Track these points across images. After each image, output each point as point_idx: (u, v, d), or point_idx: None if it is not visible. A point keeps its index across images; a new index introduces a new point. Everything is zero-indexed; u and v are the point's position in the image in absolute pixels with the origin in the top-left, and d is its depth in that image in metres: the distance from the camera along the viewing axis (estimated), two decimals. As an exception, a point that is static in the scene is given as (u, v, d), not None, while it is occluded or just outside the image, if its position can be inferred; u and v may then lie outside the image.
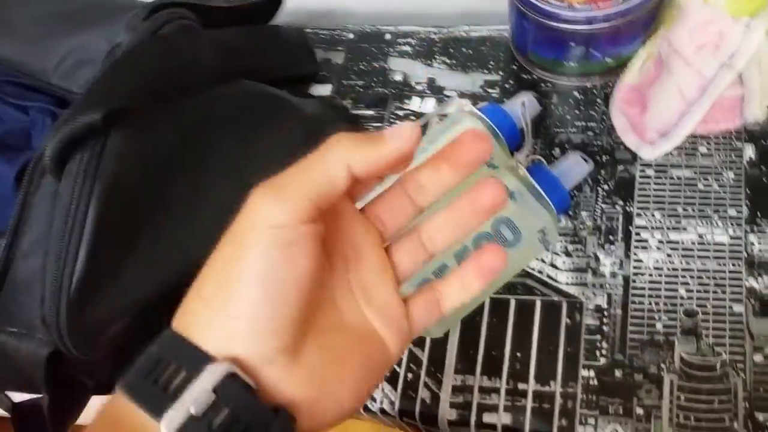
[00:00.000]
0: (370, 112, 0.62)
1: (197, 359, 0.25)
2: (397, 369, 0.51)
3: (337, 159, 0.26)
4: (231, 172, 0.43)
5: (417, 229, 0.31)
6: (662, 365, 0.47)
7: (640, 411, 0.46)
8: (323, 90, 0.64)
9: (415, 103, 0.62)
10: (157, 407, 0.24)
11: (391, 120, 0.61)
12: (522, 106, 0.54)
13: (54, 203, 0.38)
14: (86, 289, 0.38)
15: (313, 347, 0.27)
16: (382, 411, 0.50)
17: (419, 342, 0.52)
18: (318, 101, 0.56)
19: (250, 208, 0.26)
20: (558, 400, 0.48)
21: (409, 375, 0.51)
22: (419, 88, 0.63)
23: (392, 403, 0.50)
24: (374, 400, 0.50)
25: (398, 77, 0.64)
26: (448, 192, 0.30)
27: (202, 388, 0.24)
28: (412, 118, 0.61)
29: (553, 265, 0.52)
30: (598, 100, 0.58)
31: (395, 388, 0.50)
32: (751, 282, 0.48)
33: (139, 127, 0.39)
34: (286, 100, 0.47)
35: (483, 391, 0.49)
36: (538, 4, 0.52)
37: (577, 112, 0.58)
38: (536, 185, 0.50)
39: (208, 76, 0.42)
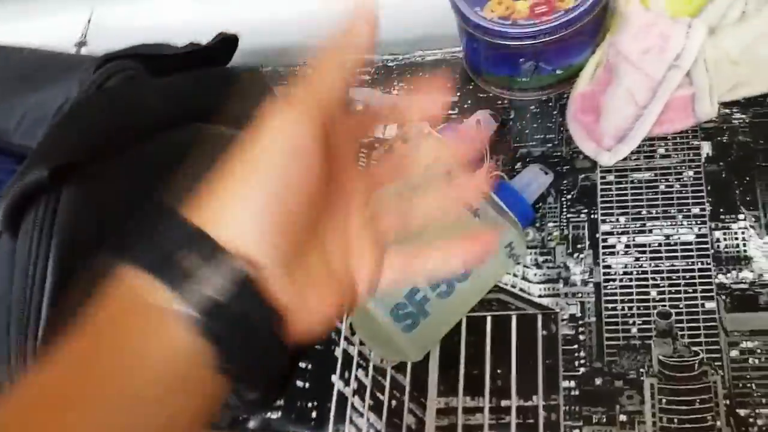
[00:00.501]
0: (334, 144, 0.62)
1: (217, 253, 0.25)
2: (381, 396, 0.51)
3: (330, 67, 0.29)
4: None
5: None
6: (641, 369, 0.47)
7: (623, 418, 0.46)
8: (286, 126, 0.64)
9: (377, 130, 0.62)
10: (181, 288, 0.25)
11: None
12: (477, 124, 0.54)
13: (12, 262, 0.37)
14: (52, 346, 0.38)
15: (300, 267, 0.28)
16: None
17: (400, 367, 0.51)
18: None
19: (268, 124, 0.27)
20: (542, 414, 0.47)
21: (393, 402, 0.50)
22: (380, 115, 0.63)
23: (377, 433, 0.50)
24: (360, 430, 0.50)
25: (359, 107, 0.64)
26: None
27: (223, 279, 0.25)
28: (377, 146, 0.61)
29: (525, 278, 0.52)
30: (554, 111, 0.59)
31: (380, 416, 0.50)
32: (721, 278, 0.49)
33: (91, 180, 0.39)
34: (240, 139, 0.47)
35: (467, 411, 0.49)
36: (485, 25, 0.53)
37: (534, 125, 0.58)
38: (499, 201, 0.51)
39: (157, 124, 0.42)
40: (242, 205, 0.26)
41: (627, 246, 0.51)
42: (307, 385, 0.52)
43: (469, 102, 0.61)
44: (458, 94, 0.62)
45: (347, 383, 0.52)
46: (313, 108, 0.27)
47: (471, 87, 0.62)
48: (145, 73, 0.45)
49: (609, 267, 0.51)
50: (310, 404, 0.52)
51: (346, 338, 0.53)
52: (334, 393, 0.51)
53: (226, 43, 0.57)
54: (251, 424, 0.52)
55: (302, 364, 0.53)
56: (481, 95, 0.61)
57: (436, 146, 0.54)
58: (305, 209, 0.27)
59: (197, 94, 0.47)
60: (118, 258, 0.26)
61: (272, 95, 0.61)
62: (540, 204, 0.54)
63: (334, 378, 0.52)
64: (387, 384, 0.51)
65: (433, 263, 0.32)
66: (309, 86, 0.28)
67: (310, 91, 0.28)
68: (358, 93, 0.65)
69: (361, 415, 0.50)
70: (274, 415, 0.52)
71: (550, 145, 0.57)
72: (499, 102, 0.60)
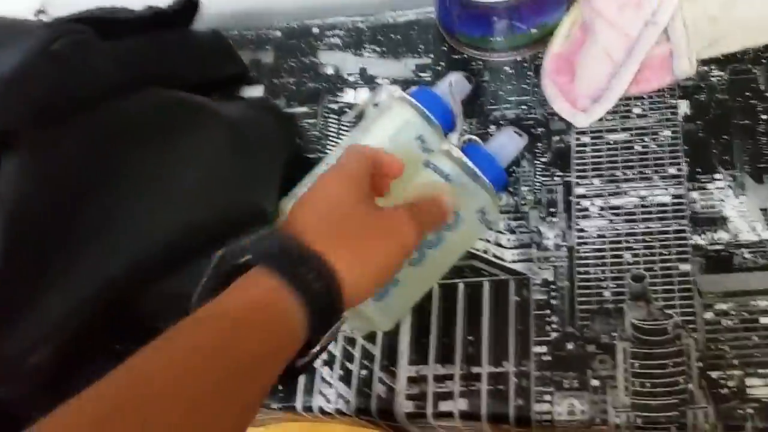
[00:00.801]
0: (304, 109, 0.61)
1: (326, 269, 0.36)
2: (351, 366, 0.50)
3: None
4: (149, 185, 0.42)
5: None
6: (614, 333, 0.46)
7: (595, 382, 0.45)
8: (255, 91, 0.62)
9: (348, 95, 0.61)
10: (300, 291, 0.34)
11: (325, 114, 0.60)
12: (450, 86, 0.53)
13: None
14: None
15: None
16: (339, 411, 0.49)
17: (371, 337, 0.50)
18: (244, 103, 0.55)
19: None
20: (512, 380, 0.46)
21: (363, 371, 0.49)
22: (351, 79, 0.61)
23: (348, 402, 0.49)
24: (329, 401, 0.49)
25: (329, 70, 0.62)
26: None
27: (325, 288, 0.35)
28: (347, 110, 0.59)
29: (498, 244, 0.51)
30: (529, 72, 0.57)
31: (349, 386, 0.49)
32: (696, 239, 0.47)
33: (37, 149, 0.37)
34: (201, 104, 0.46)
35: (438, 379, 0.48)
36: (454, -19, 0.51)
37: (509, 87, 0.57)
38: (472, 165, 0.49)
39: (108, 89, 0.40)
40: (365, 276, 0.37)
41: (601, 209, 0.50)
42: (277, 355, 0.51)
43: (442, 64, 0.60)
44: (431, 55, 0.60)
45: (318, 353, 0.51)
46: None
47: (444, 48, 0.60)
48: (95, 37, 0.43)
49: (583, 230, 0.50)
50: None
51: (316, 308, 0.52)
52: (305, 363, 0.51)
53: (188, 6, 0.55)
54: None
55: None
56: (455, 56, 0.59)
57: (405, 109, 0.52)
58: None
59: (153, 57, 0.46)
60: (262, 262, 0.34)
61: (235, 58, 0.59)
62: (514, 168, 0.53)
63: (305, 348, 0.51)
64: (357, 354, 0.50)
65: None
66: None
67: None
68: (328, 57, 0.63)
69: (330, 385, 0.49)
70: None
71: (524, 107, 0.55)
72: (473, 63, 0.59)
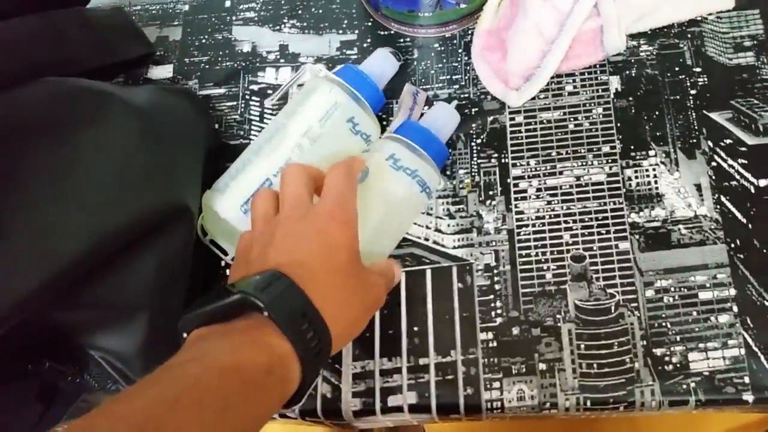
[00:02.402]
0: (222, 91, 0.56)
1: (321, 322, 0.37)
2: (291, 366, 0.47)
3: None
4: (50, 185, 0.37)
5: None
6: (558, 316, 0.46)
7: (543, 366, 0.45)
8: (163, 72, 0.57)
9: (270, 75, 0.57)
10: (297, 344, 0.35)
11: (246, 96, 0.55)
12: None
13: None
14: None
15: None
16: (282, 415, 0.46)
17: (310, 334, 0.48)
18: (153, 87, 0.49)
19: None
20: (461, 369, 0.45)
21: (304, 371, 0.47)
22: (271, 57, 0.57)
23: (290, 405, 0.46)
24: (270, 405, 0.46)
25: (246, 47, 0.58)
26: None
27: (318, 342, 0.36)
28: (269, 91, 0.55)
29: (438, 230, 0.49)
30: (460, 50, 0.55)
31: (291, 387, 0.46)
32: (633, 217, 0.48)
33: None
34: (105, 92, 0.40)
35: (384, 373, 0.46)
36: (382, -47, 0.48)
37: (440, 65, 0.55)
38: (411, 142, 0.47)
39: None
40: (329, 296, 0.37)
41: (538, 190, 0.50)
42: (209, 360, 0.48)
43: (369, 40, 0.56)
44: (356, 31, 0.57)
45: (254, 355, 0.47)
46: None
47: (369, 24, 0.57)
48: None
49: (521, 212, 0.49)
50: (214, 380, 0.47)
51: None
52: (241, 366, 0.47)
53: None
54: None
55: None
56: (381, 33, 0.57)
57: (334, 90, 0.49)
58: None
59: (46, 41, 0.40)
60: (266, 310, 0.35)
61: (141, 37, 0.53)
62: (450, 151, 0.51)
63: (239, 350, 0.48)
64: (297, 352, 0.47)
65: None
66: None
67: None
68: (243, 32, 0.58)
69: (272, 388, 0.46)
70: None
71: (456, 86, 0.54)
72: (401, 40, 0.56)
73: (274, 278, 0.36)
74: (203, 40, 0.58)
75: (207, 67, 0.57)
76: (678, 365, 0.43)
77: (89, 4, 0.50)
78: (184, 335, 0.36)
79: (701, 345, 0.44)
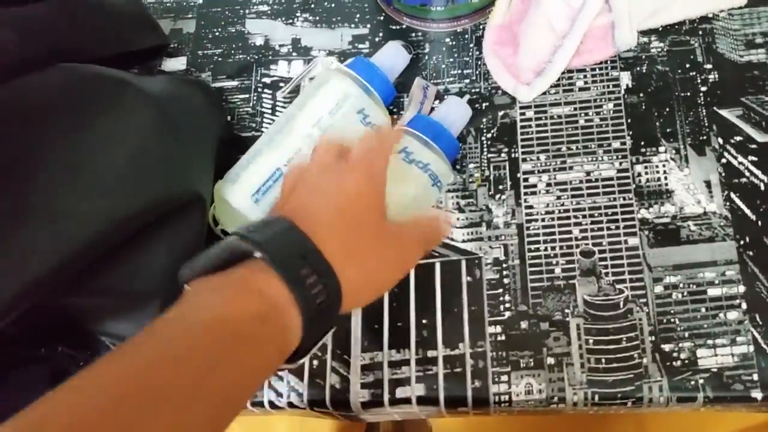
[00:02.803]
0: (234, 83, 0.56)
1: (327, 267, 0.34)
2: (300, 357, 0.47)
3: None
4: (66, 169, 0.37)
5: None
6: (566, 310, 0.46)
7: (551, 360, 0.45)
8: (177, 64, 0.57)
9: (282, 68, 0.57)
10: (297, 290, 0.33)
11: (258, 89, 0.56)
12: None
13: None
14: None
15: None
16: (290, 404, 0.47)
17: (319, 325, 0.48)
18: (168, 78, 0.50)
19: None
20: (469, 362, 0.46)
21: (315, 362, 0.47)
22: (284, 50, 0.57)
23: (300, 395, 0.46)
24: (280, 395, 0.46)
25: (259, 41, 0.58)
26: None
27: (324, 291, 0.34)
28: (281, 84, 0.56)
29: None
30: (471, 45, 0.55)
31: (301, 378, 0.47)
32: (643, 213, 0.48)
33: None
34: (122, 80, 0.41)
35: (393, 365, 0.46)
36: (395, -54, 0.48)
37: (451, 59, 0.55)
38: (422, 135, 0.48)
39: (12, 65, 0.35)
40: (338, 239, 0.35)
41: (548, 185, 0.50)
42: (219, 349, 0.48)
43: (381, 34, 0.57)
44: (368, 25, 0.57)
45: (263, 345, 0.48)
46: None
47: (381, 18, 0.57)
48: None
49: (531, 207, 0.49)
50: (223, 370, 0.48)
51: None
52: (250, 356, 0.48)
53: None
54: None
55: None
56: (393, 27, 0.57)
57: (345, 82, 0.49)
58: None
59: (63, 28, 0.40)
60: (258, 250, 0.33)
61: (156, 28, 0.54)
62: (461, 145, 0.51)
63: (249, 340, 0.48)
64: (306, 343, 0.48)
65: None
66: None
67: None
68: (256, 26, 0.59)
69: (281, 378, 0.47)
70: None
71: (467, 81, 0.54)
72: (413, 34, 0.56)
73: (273, 221, 0.34)
74: (217, 33, 0.58)
75: (220, 59, 0.57)
76: (686, 361, 0.43)
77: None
78: (186, 287, 0.34)
79: (710, 341, 0.44)
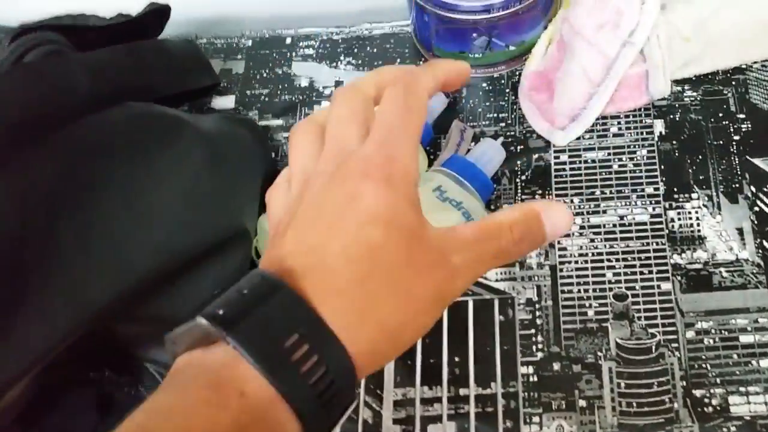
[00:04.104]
0: (279, 122, 0.59)
1: (329, 340, 0.25)
2: (333, 389, 0.48)
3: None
4: (127, 202, 0.40)
5: None
6: (599, 353, 0.47)
7: (582, 403, 0.45)
8: (226, 102, 0.60)
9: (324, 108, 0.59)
10: (286, 380, 0.24)
11: (300, 128, 0.58)
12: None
13: None
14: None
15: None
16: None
17: (353, 358, 0.49)
18: (218, 116, 0.53)
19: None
20: (500, 402, 0.46)
21: (346, 394, 0.48)
22: (327, 92, 0.60)
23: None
24: (312, 426, 0.48)
25: (304, 82, 0.61)
26: None
27: (330, 374, 0.24)
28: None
29: (480, 263, 0.51)
30: (507, 89, 0.57)
31: (333, 410, 0.48)
32: (676, 258, 0.48)
33: (9, 167, 0.34)
34: (179, 118, 0.43)
35: (425, 402, 0.47)
36: (436, -3, 0.51)
37: (487, 103, 0.57)
38: (457, 175, 0.49)
39: (84, 103, 0.38)
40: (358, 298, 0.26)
41: (582, 227, 0.51)
42: (255, 379, 0.50)
43: (419, 78, 0.59)
44: (407, 70, 0.59)
45: (299, 376, 0.49)
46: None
47: (421, 62, 0.60)
48: (69, 47, 0.40)
49: (564, 249, 0.50)
50: (259, 399, 0.49)
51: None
52: (285, 387, 0.49)
53: (157, 13, 0.52)
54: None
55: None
56: (432, 71, 0.59)
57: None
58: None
59: (128, 69, 0.43)
60: (222, 330, 0.24)
61: (209, 69, 0.57)
62: (495, 186, 0.53)
63: (285, 371, 0.49)
64: (341, 376, 0.49)
65: None
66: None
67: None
68: (302, 68, 0.61)
69: (315, 409, 0.48)
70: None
71: (503, 124, 0.55)
72: (450, 79, 0.58)
73: (256, 282, 0.25)
74: (264, 74, 0.61)
75: (267, 99, 0.60)
76: (718, 408, 0.44)
77: (161, 35, 0.54)
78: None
79: (742, 389, 0.44)
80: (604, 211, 0.51)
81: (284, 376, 0.24)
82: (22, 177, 0.36)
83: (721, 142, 0.52)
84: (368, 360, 0.27)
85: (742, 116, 0.52)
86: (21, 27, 0.41)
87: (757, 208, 0.49)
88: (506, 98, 0.57)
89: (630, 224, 0.50)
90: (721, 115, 0.53)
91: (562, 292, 0.49)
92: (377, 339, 0.27)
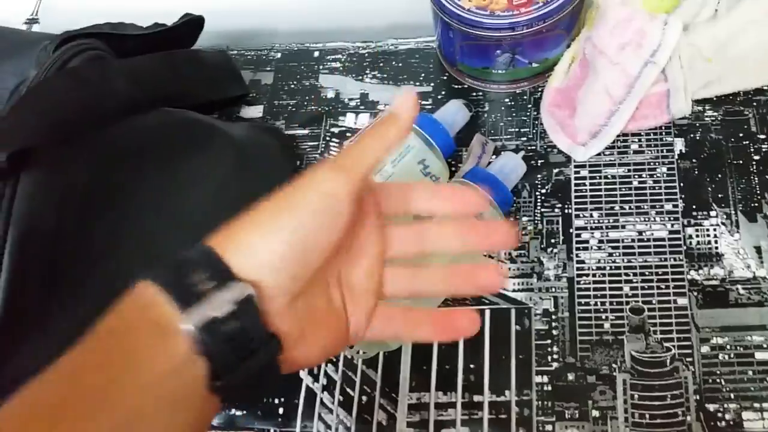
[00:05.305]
0: (305, 132, 0.61)
1: (226, 275, 0.28)
2: (351, 392, 0.49)
3: (368, 143, 0.32)
4: (158, 205, 0.41)
5: (421, 225, 0.35)
6: (614, 365, 0.47)
7: (596, 413, 0.46)
8: (254, 112, 0.62)
9: (349, 120, 0.61)
10: (186, 303, 0.27)
11: (327, 138, 0.60)
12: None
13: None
14: (6, 341, 0.35)
15: (305, 302, 0.31)
16: (337, 438, 0.49)
17: (372, 362, 0.50)
18: (248, 124, 0.54)
19: (310, 175, 0.30)
20: (514, 409, 0.47)
21: (363, 397, 0.49)
22: (352, 104, 0.62)
23: (348, 429, 0.48)
24: (329, 427, 0.49)
25: (330, 94, 0.62)
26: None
27: (225, 298, 0.27)
28: (348, 134, 0.60)
29: (498, 273, 0.52)
30: (529, 105, 0.58)
31: (350, 412, 0.49)
32: (693, 274, 0.49)
33: (51, 167, 0.36)
34: (211, 125, 0.45)
35: (439, 407, 0.48)
36: (461, 14, 0.52)
37: (509, 118, 0.58)
38: (477, 188, 0.50)
39: (122, 107, 0.40)
40: (268, 236, 0.29)
41: (600, 241, 0.51)
42: (275, 380, 0.51)
43: (443, 92, 0.60)
44: (432, 84, 0.61)
45: (316, 379, 0.50)
46: (351, 169, 0.30)
47: (445, 77, 0.61)
48: (109, 53, 0.42)
49: (582, 262, 0.51)
50: (276, 400, 0.50)
51: (316, 332, 0.52)
52: (303, 389, 0.50)
53: (192, 24, 0.54)
54: (215, 421, 0.50)
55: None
56: (455, 86, 0.60)
57: (410, 135, 0.53)
58: (323, 251, 0.30)
59: (164, 76, 0.45)
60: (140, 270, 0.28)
61: (240, 79, 0.59)
62: (514, 198, 0.54)
63: (302, 373, 0.51)
64: (357, 379, 0.50)
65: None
66: (349, 154, 0.31)
67: (350, 157, 0.31)
68: (329, 80, 0.63)
69: (330, 411, 0.49)
70: (239, 412, 0.50)
71: (524, 138, 0.57)
72: (474, 94, 0.60)
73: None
74: (292, 85, 0.63)
75: (294, 109, 0.62)
76: (731, 423, 0.44)
77: (195, 46, 0.56)
78: None
79: (756, 405, 0.44)
80: (623, 226, 0.52)
81: (179, 292, 0.27)
82: (61, 176, 0.38)
83: (741, 162, 0.52)
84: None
85: (762, 136, 0.53)
86: (65, 34, 0.43)
87: (775, 227, 0.49)
88: (528, 113, 0.58)
89: (648, 239, 0.51)
90: (741, 135, 0.53)
91: (579, 304, 0.49)
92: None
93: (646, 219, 0.51)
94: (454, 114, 0.56)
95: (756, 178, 0.51)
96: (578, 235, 0.52)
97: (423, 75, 0.62)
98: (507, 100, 0.59)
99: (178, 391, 0.26)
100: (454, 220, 0.35)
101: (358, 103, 0.61)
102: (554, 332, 0.49)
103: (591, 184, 0.54)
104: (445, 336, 0.38)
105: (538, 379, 0.48)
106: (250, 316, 0.28)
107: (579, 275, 0.50)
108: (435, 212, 0.35)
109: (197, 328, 0.26)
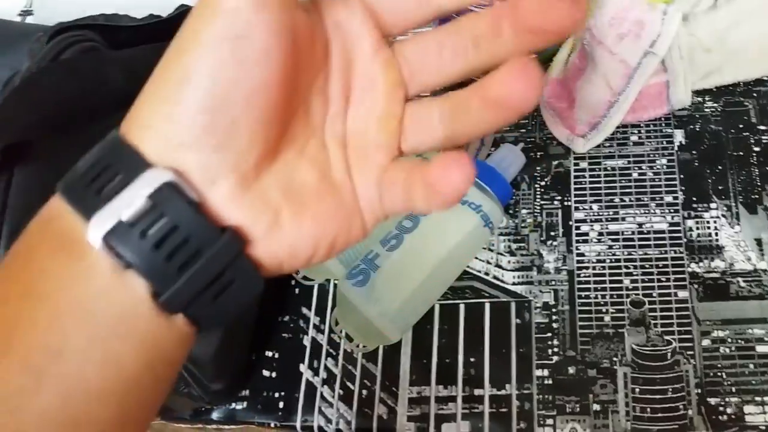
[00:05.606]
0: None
1: (135, 164, 0.22)
2: (351, 386, 0.49)
3: None
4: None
5: (446, 28, 0.26)
6: (614, 358, 0.47)
7: (596, 407, 0.46)
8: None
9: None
10: (88, 208, 0.22)
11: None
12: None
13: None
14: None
15: (272, 178, 0.24)
16: (338, 431, 0.48)
17: (372, 356, 0.50)
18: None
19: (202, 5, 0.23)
20: (515, 403, 0.47)
21: (364, 391, 0.49)
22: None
23: (348, 423, 0.48)
24: (329, 421, 0.48)
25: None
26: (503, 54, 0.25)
27: (135, 193, 0.21)
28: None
29: (498, 266, 0.51)
30: (529, 96, 0.57)
31: (350, 406, 0.49)
32: (693, 267, 0.49)
33: (46, 159, 0.36)
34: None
35: (439, 400, 0.48)
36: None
37: (509, 109, 0.57)
38: (476, 179, 0.50)
39: (117, 99, 0.39)
40: (175, 103, 0.22)
41: (600, 234, 0.51)
42: (273, 374, 0.50)
43: (441, 84, 0.60)
44: (430, 75, 0.60)
45: (316, 373, 0.50)
46: None
47: (443, 68, 0.60)
48: (103, 45, 0.41)
49: (582, 255, 0.51)
50: (277, 394, 0.50)
51: (315, 326, 0.51)
52: (303, 383, 0.50)
53: (186, 15, 0.53)
54: (215, 415, 0.50)
55: (269, 353, 0.51)
56: (454, 77, 0.60)
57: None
58: (261, 105, 0.22)
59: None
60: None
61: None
62: (514, 191, 0.53)
63: (303, 367, 0.50)
64: (357, 373, 0.50)
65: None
66: None
67: None
68: None
69: (331, 405, 0.49)
70: (239, 406, 0.50)
71: (523, 130, 0.56)
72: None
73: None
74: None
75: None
76: (733, 416, 0.44)
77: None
78: None
79: (757, 398, 0.44)
80: (623, 219, 0.51)
81: (82, 198, 0.22)
82: (57, 170, 0.37)
83: (741, 153, 0.52)
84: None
85: (762, 127, 0.52)
86: (58, 25, 0.42)
87: (776, 219, 0.49)
88: (527, 105, 0.57)
89: (648, 232, 0.51)
90: (741, 126, 0.53)
91: (580, 297, 0.49)
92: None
93: (646, 211, 0.51)
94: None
95: (756, 170, 0.51)
96: (578, 228, 0.51)
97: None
98: (506, 91, 0.58)
99: (111, 317, 0.21)
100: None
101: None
102: (554, 325, 0.49)
103: (591, 176, 0.53)
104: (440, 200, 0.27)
105: (538, 372, 0.47)
106: (176, 210, 0.22)
107: (579, 268, 0.50)
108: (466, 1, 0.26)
109: (108, 235, 0.21)
